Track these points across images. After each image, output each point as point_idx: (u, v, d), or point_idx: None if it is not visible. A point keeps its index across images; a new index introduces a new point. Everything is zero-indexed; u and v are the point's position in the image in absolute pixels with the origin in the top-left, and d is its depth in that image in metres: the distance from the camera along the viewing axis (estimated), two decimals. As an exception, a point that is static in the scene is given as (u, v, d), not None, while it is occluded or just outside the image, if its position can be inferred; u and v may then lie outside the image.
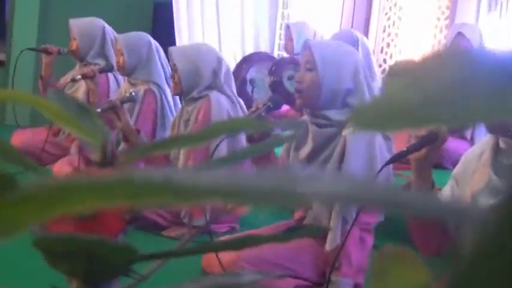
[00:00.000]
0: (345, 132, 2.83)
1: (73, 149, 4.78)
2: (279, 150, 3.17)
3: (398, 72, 0.35)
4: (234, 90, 3.93)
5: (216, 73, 3.82)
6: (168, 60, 4.14)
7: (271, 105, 3.08)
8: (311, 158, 2.93)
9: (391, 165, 2.62)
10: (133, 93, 4.09)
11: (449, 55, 0.37)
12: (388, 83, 0.35)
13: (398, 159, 2.30)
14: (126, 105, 4.06)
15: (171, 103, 4.47)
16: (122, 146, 4.24)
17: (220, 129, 0.54)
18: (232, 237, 0.56)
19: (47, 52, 5.11)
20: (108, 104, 3.91)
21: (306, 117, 3.01)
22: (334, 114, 2.88)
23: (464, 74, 0.35)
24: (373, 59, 5.50)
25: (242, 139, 3.70)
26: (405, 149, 2.23)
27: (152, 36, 4.68)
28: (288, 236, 0.58)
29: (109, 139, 0.54)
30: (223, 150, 3.53)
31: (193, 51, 3.92)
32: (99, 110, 3.90)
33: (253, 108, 3.12)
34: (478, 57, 0.37)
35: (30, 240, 0.48)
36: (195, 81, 3.81)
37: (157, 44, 4.58)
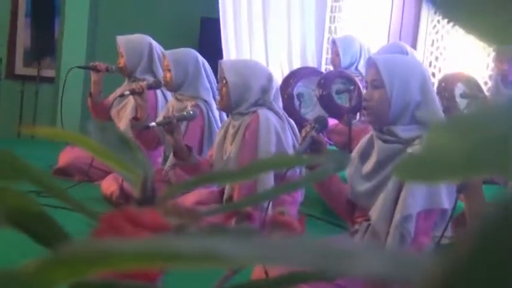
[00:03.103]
0: (411, 149, 2.79)
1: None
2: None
3: (443, 124, 0.34)
4: (282, 108, 3.91)
5: (265, 90, 3.81)
6: (216, 74, 4.14)
7: (318, 127, 3.06)
8: (373, 173, 2.89)
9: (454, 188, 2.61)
10: (191, 112, 4.07)
11: (494, 106, 0.36)
12: (433, 134, 0.34)
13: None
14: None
15: (218, 119, 4.47)
16: (170, 161, 4.25)
17: (266, 166, 0.52)
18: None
19: (96, 70, 5.17)
20: (164, 120, 3.93)
21: (369, 133, 2.98)
22: (401, 131, 2.84)
23: (510, 125, 0.34)
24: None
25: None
26: None
27: (199, 52, 4.70)
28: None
29: (150, 174, 0.52)
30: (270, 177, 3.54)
31: (244, 65, 3.92)
32: (154, 123, 3.94)
33: (303, 134, 3.10)
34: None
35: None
36: (243, 95, 3.79)
37: (204, 60, 4.60)
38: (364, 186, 2.90)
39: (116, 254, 0.31)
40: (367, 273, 0.32)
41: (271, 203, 3.46)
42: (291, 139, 3.80)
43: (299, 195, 3.84)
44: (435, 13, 5.99)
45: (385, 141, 2.88)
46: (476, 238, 0.29)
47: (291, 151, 3.74)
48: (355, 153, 3.02)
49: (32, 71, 7.63)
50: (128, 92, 4.64)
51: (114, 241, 0.32)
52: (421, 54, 6.13)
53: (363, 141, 3.02)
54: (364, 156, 2.96)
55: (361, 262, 0.32)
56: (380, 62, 2.89)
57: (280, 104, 3.92)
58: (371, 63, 2.94)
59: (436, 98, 2.91)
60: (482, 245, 0.30)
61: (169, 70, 4.50)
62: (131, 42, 5.12)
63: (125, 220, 0.41)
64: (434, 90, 2.91)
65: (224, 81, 3.82)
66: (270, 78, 3.84)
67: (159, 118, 4.30)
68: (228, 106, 3.85)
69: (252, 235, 0.47)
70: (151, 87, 4.73)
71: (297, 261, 0.32)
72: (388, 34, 6.38)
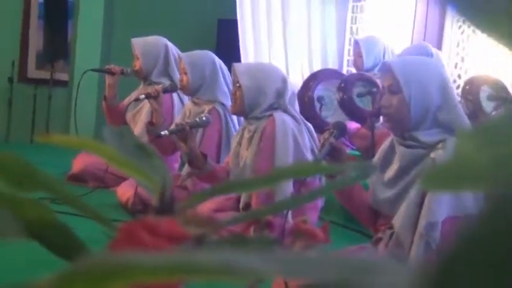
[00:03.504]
0: (434, 154, 2.77)
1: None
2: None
3: (470, 132, 0.34)
4: (298, 111, 3.90)
5: (280, 93, 3.79)
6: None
7: (337, 133, 3.06)
8: (396, 179, 2.87)
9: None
10: (204, 118, 4.02)
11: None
12: (460, 143, 0.34)
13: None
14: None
15: (236, 123, 4.45)
16: (186, 169, 4.25)
17: (285, 174, 0.53)
18: None
19: (110, 73, 5.17)
20: (176, 127, 3.89)
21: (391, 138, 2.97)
22: (423, 136, 2.82)
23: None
24: (448, 74, 5.43)
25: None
26: None
27: (216, 54, 4.70)
28: None
29: (168, 182, 0.52)
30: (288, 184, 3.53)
31: (257, 68, 3.91)
32: (166, 132, 3.90)
33: (322, 141, 3.10)
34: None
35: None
36: (257, 99, 3.79)
37: (221, 62, 4.59)
38: (386, 194, 2.89)
39: (135, 267, 0.31)
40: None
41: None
42: (308, 142, 3.79)
43: (319, 201, 3.84)
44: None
45: (407, 146, 2.86)
46: (459, 241, 0.30)
47: (309, 154, 3.73)
48: (376, 160, 3.00)
49: (45, 74, 7.67)
50: (143, 96, 4.63)
51: (133, 254, 0.32)
52: (446, 55, 6.11)
53: (384, 147, 3.01)
54: (386, 162, 2.95)
55: (383, 279, 0.32)
56: (396, 66, 2.86)
57: (297, 107, 3.91)
58: (386, 67, 2.92)
59: (457, 100, 2.88)
60: (465, 247, 0.30)
61: (185, 73, 4.50)
62: (147, 45, 5.13)
63: (143, 230, 0.41)
64: (454, 92, 2.88)
65: (237, 85, 3.82)
66: (284, 81, 3.84)
67: (174, 124, 4.28)
68: (242, 110, 3.85)
69: (273, 246, 0.47)
70: (167, 90, 4.71)
71: (318, 276, 0.32)
72: (412, 34, 6.37)
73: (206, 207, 3.82)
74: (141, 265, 0.31)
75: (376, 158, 3.01)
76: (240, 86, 3.80)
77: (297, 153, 3.70)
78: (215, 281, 0.33)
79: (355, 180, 0.62)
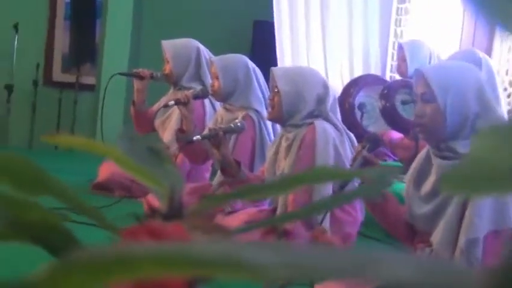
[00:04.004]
0: None
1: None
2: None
3: (488, 132, 0.35)
4: (340, 120, 3.88)
5: (321, 99, 3.78)
6: (268, 82, 4.12)
7: (370, 146, 3.06)
8: (433, 193, 2.85)
9: None
10: (239, 124, 4.02)
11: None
12: (475, 144, 0.35)
13: None
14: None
15: (271, 131, 4.44)
16: (218, 177, 4.26)
17: (323, 175, 0.53)
18: None
19: (139, 77, 5.19)
20: (209, 132, 3.90)
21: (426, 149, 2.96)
22: (461, 146, 2.78)
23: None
24: (498, 81, 5.38)
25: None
26: None
27: (251, 58, 4.70)
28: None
29: (178, 187, 0.53)
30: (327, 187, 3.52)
31: (297, 72, 3.91)
32: (198, 137, 3.92)
33: (354, 154, 3.10)
34: None
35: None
36: (297, 106, 3.78)
37: (256, 67, 4.59)
38: (423, 209, 2.87)
39: (135, 258, 0.32)
40: (393, 279, 0.33)
41: (328, 221, 3.46)
42: (350, 153, 3.77)
43: (360, 215, 3.82)
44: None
45: (443, 158, 2.83)
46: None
47: (350, 167, 3.73)
48: (411, 173, 2.98)
49: (70, 78, 7.75)
50: (172, 102, 4.61)
51: (134, 246, 0.33)
52: (496, 61, 6.07)
53: (419, 159, 2.98)
54: (422, 175, 2.92)
55: (388, 268, 0.33)
56: (429, 74, 2.84)
57: (339, 115, 3.90)
58: (419, 75, 2.90)
59: (496, 105, 2.84)
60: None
61: (217, 78, 4.49)
62: (177, 47, 5.14)
63: (148, 234, 0.42)
64: (492, 97, 2.84)
65: (276, 90, 3.82)
66: (325, 86, 3.83)
67: (206, 130, 4.28)
68: (280, 117, 3.84)
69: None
70: (197, 96, 4.70)
71: (325, 269, 0.33)
72: (460, 39, 6.33)
73: (238, 218, 3.83)
74: (143, 255, 0.32)
75: (412, 170, 2.99)
76: (278, 91, 3.80)
77: (338, 164, 3.68)
78: (220, 278, 0.34)
79: (378, 187, 0.63)
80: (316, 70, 4.21)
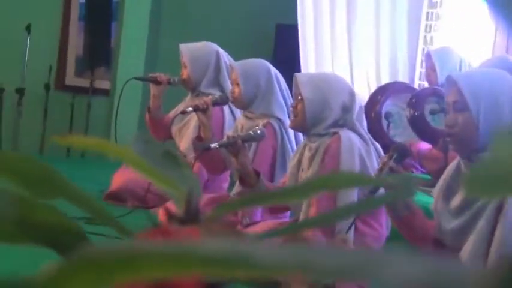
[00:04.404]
0: None
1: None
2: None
3: (505, 136, 0.35)
4: (366, 129, 3.87)
5: (346, 108, 3.77)
6: (291, 88, 4.11)
7: (397, 156, 3.06)
8: (463, 207, 2.83)
9: None
10: (258, 132, 4.02)
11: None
12: (496, 147, 0.35)
13: None
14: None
15: (293, 140, 4.43)
16: (236, 187, 4.26)
17: (346, 180, 0.54)
18: None
19: (156, 82, 5.19)
20: (227, 140, 3.90)
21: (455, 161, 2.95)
22: None
23: None
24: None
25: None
26: None
27: (273, 63, 4.70)
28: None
29: (195, 192, 0.54)
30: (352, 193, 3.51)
31: (321, 78, 3.90)
32: (216, 144, 3.92)
33: (380, 165, 3.10)
34: None
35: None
36: (321, 114, 3.77)
37: (278, 72, 4.58)
38: (452, 223, 2.85)
39: (144, 256, 0.32)
40: (399, 279, 0.33)
41: (353, 233, 3.46)
42: (376, 165, 3.77)
43: (385, 230, 3.81)
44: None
45: None
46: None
47: (376, 179, 3.72)
48: (440, 185, 2.98)
49: (84, 82, 7.78)
50: (190, 109, 4.59)
51: (142, 243, 0.33)
52: (531, 69, 6.04)
53: (449, 171, 2.97)
54: (452, 188, 2.91)
55: (394, 268, 0.34)
56: (461, 81, 2.82)
57: (365, 125, 3.88)
58: (451, 82, 2.89)
59: None
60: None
61: (237, 84, 4.48)
62: (196, 51, 5.13)
63: (162, 238, 0.43)
64: None
65: (299, 97, 3.81)
66: (352, 94, 3.82)
67: (225, 138, 4.27)
68: (303, 126, 3.83)
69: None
70: (217, 103, 4.67)
71: (333, 269, 0.34)
72: (493, 46, 6.31)
73: (258, 230, 3.83)
74: (151, 253, 0.32)
75: (441, 183, 2.98)
76: (301, 99, 3.79)
77: (363, 175, 3.68)
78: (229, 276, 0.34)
79: (402, 194, 0.63)
80: (341, 77, 4.20)
